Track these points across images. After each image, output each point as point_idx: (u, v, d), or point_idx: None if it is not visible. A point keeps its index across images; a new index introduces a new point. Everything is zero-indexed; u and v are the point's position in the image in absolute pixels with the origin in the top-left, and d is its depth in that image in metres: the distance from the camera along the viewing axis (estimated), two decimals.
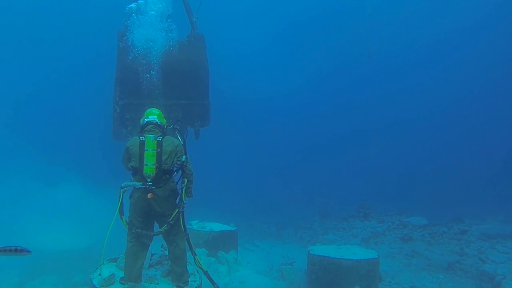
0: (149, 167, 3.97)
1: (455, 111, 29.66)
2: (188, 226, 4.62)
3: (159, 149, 4.03)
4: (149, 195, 3.93)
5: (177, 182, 4.32)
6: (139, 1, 6.80)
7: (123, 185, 4.05)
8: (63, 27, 26.77)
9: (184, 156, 4.20)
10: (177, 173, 4.23)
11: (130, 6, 6.81)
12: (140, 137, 4.11)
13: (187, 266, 4.42)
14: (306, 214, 14.43)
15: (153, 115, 4.31)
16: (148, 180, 3.97)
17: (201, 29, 7.65)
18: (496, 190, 17.00)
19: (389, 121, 30.84)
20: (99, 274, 4.24)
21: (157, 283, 4.32)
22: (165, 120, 4.45)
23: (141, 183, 3.98)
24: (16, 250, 2.15)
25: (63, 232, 7.09)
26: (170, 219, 4.13)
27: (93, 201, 7.32)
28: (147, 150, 3.99)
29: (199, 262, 4.29)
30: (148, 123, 4.24)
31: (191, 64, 7.21)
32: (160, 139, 4.08)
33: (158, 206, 4.08)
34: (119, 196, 4.05)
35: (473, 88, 29.50)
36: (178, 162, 4.16)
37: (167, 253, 4.55)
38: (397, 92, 31.97)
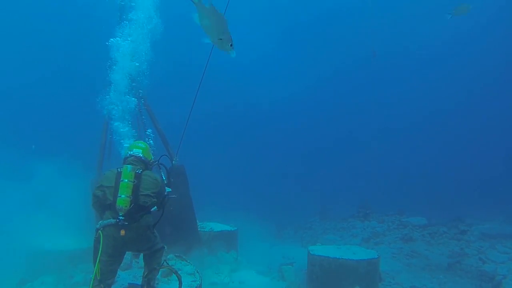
0: (123, 199, 3.46)
1: (455, 112, 29.69)
2: None
3: (136, 181, 3.57)
4: (122, 232, 3.44)
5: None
6: None
7: (98, 226, 3.55)
8: (35, 28, 26.41)
9: (166, 191, 3.85)
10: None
11: None
12: (118, 168, 3.69)
13: (188, 266, 4.41)
14: (306, 214, 14.43)
15: (138, 149, 3.89)
16: (121, 213, 3.45)
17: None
18: (496, 190, 16.97)
19: (390, 122, 30.89)
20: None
21: (157, 283, 4.32)
22: (151, 156, 4.04)
23: (112, 219, 3.48)
24: None
25: (60, 231, 7.06)
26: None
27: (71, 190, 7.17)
28: (122, 180, 3.53)
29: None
30: (131, 155, 3.84)
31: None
32: (139, 172, 3.63)
33: (131, 245, 3.65)
34: (98, 239, 3.48)
35: (473, 89, 29.52)
36: (156, 197, 3.70)
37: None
38: (398, 94, 31.99)
